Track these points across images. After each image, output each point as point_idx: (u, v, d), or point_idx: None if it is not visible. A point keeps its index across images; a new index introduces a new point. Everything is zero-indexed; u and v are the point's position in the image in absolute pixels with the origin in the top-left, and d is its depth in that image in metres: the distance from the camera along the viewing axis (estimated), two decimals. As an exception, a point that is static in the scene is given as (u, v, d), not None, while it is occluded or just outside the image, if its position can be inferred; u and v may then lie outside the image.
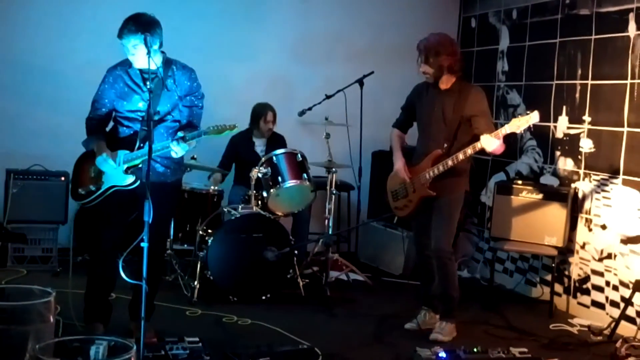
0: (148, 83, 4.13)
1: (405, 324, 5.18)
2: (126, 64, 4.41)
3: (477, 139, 4.76)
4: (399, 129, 5.31)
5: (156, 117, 4.33)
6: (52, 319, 2.19)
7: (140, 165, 4.36)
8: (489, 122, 4.95)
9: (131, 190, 4.39)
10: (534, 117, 4.57)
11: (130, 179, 4.37)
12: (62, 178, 6.14)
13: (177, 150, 4.25)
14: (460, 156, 4.79)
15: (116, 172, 4.37)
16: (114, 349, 1.99)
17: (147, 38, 4.15)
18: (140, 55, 4.22)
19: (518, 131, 4.65)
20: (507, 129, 4.61)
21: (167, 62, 4.42)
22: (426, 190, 4.95)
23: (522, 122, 4.59)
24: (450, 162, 4.83)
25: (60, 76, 6.50)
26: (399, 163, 5.14)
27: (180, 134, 4.29)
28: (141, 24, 4.21)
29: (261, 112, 6.55)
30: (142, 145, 4.36)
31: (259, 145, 6.59)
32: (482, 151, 4.76)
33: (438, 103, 4.96)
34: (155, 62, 4.23)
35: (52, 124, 6.41)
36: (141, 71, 4.36)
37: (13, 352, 2.11)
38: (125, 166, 4.36)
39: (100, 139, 4.43)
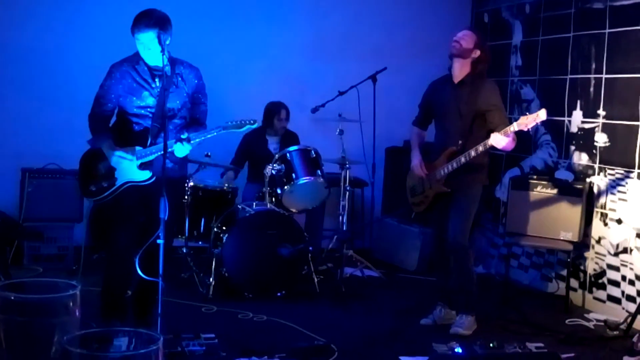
0: (157, 80, 4.14)
1: (420, 319, 5.19)
2: (133, 60, 4.39)
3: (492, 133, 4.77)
4: (418, 126, 5.33)
5: (168, 114, 4.35)
6: (77, 312, 2.21)
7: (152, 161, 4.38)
8: (503, 116, 4.96)
9: (144, 187, 4.38)
10: (541, 115, 4.57)
11: (147, 174, 4.36)
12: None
13: (180, 150, 4.29)
14: (472, 153, 4.80)
15: (131, 167, 4.37)
16: (138, 342, 2.00)
17: (160, 34, 4.17)
18: (154, 50, 4.22)
19: (526, 129, 4.66)
20: (515, 126, 4.63)
21: (172, 61, 4.41)
22: (441, 187, 4.96)
23: (530, 120, 4.59)
24: (463, 159, 4.84)
25: (74, 75, 6.52)
26: (415, 160, 5.16)
27: (185, 134, 4.32)
28: (156, 19, 4.22)
29: (275, 110, 6.55)
30: (154, 141, 4.37)
31: (272, 143, 6.59)
32: (494, 147, 4.77)
33: (453, 97, 4.97)
34: (164, 59, 4.24)
35: (66, 123, 6.42)
36: (149, 68, 4.36)
37: (37, 345, 2.12)
38: (140, 162, 4.36)
39: (109, 137, 4.42)
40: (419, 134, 5.32)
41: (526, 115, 4.65)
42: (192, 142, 4.30)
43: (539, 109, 4.61)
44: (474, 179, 5.00)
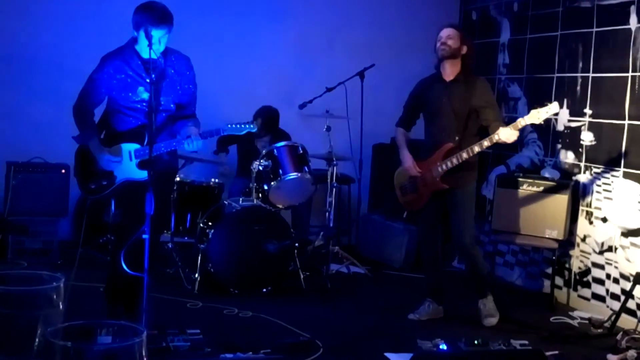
0: (152, 74, 4.13)
1: (405, 316, 5.20)
2: (125, 53, 4.33)
3: (485, 130, 4.79)
4: (403, 127, 5.30)
5: (160, 108, 4.34)
6: (61, 305, 2.20)
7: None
8: (497, 112, 5.01)
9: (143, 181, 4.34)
10: (553, 108, 4.63)
11: (145, 173, 4.28)
12: (63, 170, 6.13)
13: (191, 145, 4.29)
14: (476, 149, 4.82)
15: (130, 166, 4.35)
16: (122, 335, 1.99)
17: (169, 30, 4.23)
18: (161, 46, 4.24)
19: (538, 122, 4.71)
20: (527, 120, 4.66)
21: (165, 51, 4.37)
22: (438, 184, 4.97)
23: (542, 113, 4.64)
24: (465, 155, 4.85)
25: (60, 68, 6.49)
26: (408, 161, 5.12)
27: (193, 129, 4.32)
28: (171, 16, 4.23)
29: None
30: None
31: (261, 141, 6.53)
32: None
33: (445, 95, 4.98)
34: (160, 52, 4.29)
35: (52, 117, 6.37)
36: (142, 61, 4.32)
37: (21, 337, 2.11)
38: (138, 161, 4.33)
39: (95, 134, 4.36)
40: (405, 135, 5.29)
41: (536, 108, 4.68)
42: (204, 138, 4.32)
43: (526, 107, 4.64)
44: (469, 176, 5.05)
